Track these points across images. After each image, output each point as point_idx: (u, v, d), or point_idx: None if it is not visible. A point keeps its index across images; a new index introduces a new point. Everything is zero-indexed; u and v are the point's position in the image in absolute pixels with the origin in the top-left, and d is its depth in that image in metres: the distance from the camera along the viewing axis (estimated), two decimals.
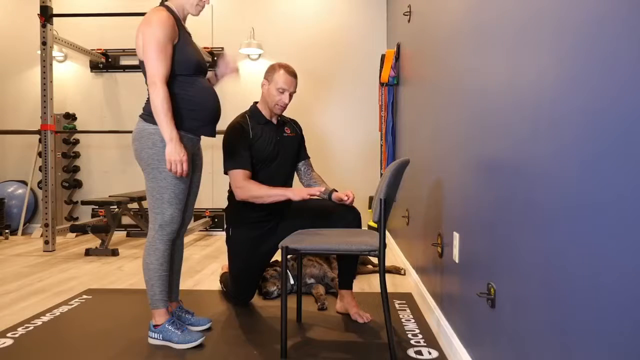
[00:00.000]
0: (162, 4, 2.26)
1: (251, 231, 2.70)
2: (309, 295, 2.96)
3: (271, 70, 2.67)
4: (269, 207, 2.65)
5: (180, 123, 2.16)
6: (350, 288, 2.65)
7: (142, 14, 4.71)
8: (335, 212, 2.61)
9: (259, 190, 2.57)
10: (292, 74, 2.66)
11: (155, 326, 2.24)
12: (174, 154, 2.09)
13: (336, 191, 2.69)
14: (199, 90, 2.21)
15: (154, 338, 2.24)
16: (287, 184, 2.80)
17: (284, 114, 2.84)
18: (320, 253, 3.04)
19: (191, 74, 2.20)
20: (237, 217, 2.74)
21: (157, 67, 2.09)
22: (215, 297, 3.00)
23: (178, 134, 2.11)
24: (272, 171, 2.71)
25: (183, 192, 2.22)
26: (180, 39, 2.18)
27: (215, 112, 2.29)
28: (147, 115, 2.18)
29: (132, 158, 5.78)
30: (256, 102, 2.81)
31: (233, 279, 2.82)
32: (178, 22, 2.21)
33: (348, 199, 2.62)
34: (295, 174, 2.87)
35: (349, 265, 2.64)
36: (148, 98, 2.20)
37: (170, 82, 2.16)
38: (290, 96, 2.68)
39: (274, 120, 2.77)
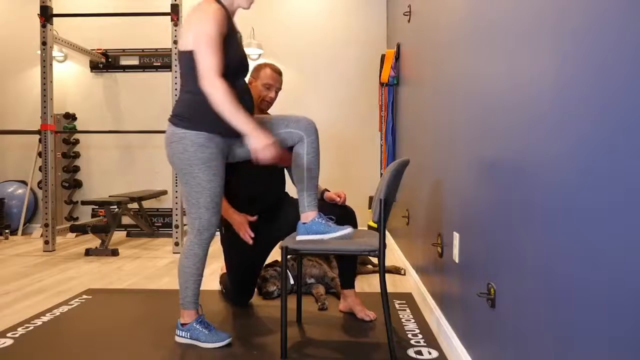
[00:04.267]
0: None
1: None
2: (309, 295, 2.96)
3: (257, 69, 2.75)
4: (262, 203, 2.68)
5: (207, 124, 2.10)
6: (353, 287, 2.66)
7: (142, 14, 4.76)
8: (331, 212, 2.62)
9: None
10: (277, 72, 2.75)
11: (182, 325, 2.24)
12: (258, 142, 2.01)
13: (328, 191, 2.72)
14: (234, 93, 2.13)
15: (181, 337, 2.24)
16: (280, 183, 2.80)
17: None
18: (320, 253, 3.04)
19: (229, 74, 2.11)
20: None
21: (212, 61, 2.01)
22: (215, 297, 3.00)
23: (253, 122, 2.03)
24: (258, 169, 2.64)
25: (219, 196, 2.19)
26: (228, 36, 2.11)
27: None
28: (176, 118, 2.14)
29: (132, 158, 5.84)
30: None
31: (230, 278, 2.82)
32: (228, 17, 2.14)
33: (340, 199, 2.64)
34: (287, 175, 2.87)
35: (349, 265, 2.65)
36: (178, 100, 2.16)
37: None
38: (276, 92, 2.74)
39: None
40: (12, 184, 5.73)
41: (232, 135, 2.18)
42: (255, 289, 2.93)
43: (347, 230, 2.14)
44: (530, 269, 1.30)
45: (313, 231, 2.17)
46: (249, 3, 2.21)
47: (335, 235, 2.14)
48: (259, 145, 2.01)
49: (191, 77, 2.11)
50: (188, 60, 2.10)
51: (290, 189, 2.88)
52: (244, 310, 2.75)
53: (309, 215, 2.22)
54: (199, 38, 2.03)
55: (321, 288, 2.97)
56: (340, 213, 2.57)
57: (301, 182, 2.25)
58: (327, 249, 2.16)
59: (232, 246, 2.74)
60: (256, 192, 2.69)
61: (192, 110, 2.13)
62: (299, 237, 2.18)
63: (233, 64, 2.13)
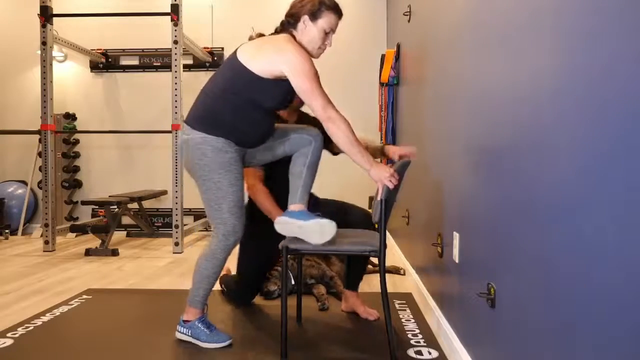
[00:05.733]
0: (288, 32, 2.17)
1: (262, 227, 2.68)
2: (310, 295, 2.96)
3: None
4: (279, 203, 2.65)
5: (227, 132, 2.11)
6: (357, 290, 2.67)
7: (142, 14, 4.76)
8: (349, 213, 2.62)
9: (263, 202, 2.60)
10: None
11: (185, 321, 2.25)
12: (380, 175, 2.05)
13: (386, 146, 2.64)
14: (257, 120, 2.15)
15: (182, 333, 2.25)
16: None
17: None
18: (321, 253, 3.04)
19: (264, 107, 2.13)
20: (249, 213, 2.73)
21: (325, 98, 2.05)
22: (215, 297, 2.99)
23: (370, 155, 2.11)
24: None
25: (242, 200, 2.18)
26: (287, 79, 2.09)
27: (257, 140, 2.22)
28: (195, 120, 2.13)
29: (132, 158, 5.83)
30: None
31: (241, 277, 2.82)
32: None
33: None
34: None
35: (358, 267, 2.66)
36: (200, 102, 2.16)
37: (244, 101, 2.10)
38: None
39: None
40: (12, 184, 5.73)
41: (247, 147, 2.21)
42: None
43: (326, 221, 2.06)
44: (530, 269, 1.30)
45: (295, 216, 2.15)
46: (318, 54, 2.21)
47: (311, 222, 2.07)
48: (381, 176, 2.04)
49: (230, 88, 2.10)
50: (243, 79, 2.07)
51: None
52: (244, 310, 2.75)
53: (297, 206, 2.22)
54: (302, 76, 2.02)
55: (322, 288, 2.97)
56: (357, 215, 2.61)
57: (299, 178, 2.25)
58: (328, 250, 2.16)
59: (252, 237, 2.69)
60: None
61: (214, 115, 2.12)
62: (278, 218, 2.18)
63: (271, 104, 2.15)
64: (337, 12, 2.17)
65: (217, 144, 2.10)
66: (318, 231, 2.05)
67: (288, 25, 2.17)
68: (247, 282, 2.82)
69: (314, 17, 2.12)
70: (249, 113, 2.13)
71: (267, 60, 2.06)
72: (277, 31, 2.22)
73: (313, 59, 2.14)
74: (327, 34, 2.17)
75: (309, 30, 2.13)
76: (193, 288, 2.23)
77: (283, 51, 2.05)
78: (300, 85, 2.04)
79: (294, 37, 2.15)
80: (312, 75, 2.04)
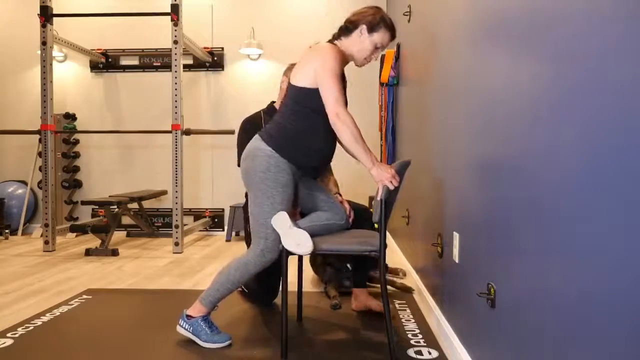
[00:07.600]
0: (339, 38, 2.26)
1: None
2: (316, 295, 2.97)
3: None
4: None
5: (293, 155, 2.15)
6: (365, 287, 2.70)
7: (142, 14, 4.76)
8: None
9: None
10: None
11: (188, 316, 2.25)
12: (381, 175, 2.07)
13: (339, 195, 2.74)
14: (321, 131, 2.18)
15: (183, 328, 2.26)
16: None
17: None
18: (322, 253, 3.05)
19: (324, 113, 2.15)
20: None
21: (338, 95, 2.08)
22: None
23: (373, 155, 2.11)
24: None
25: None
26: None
27: (325, 156, 2.27)
28: (267, 137, 2.17)
29: (132, 158, 5.81)
30: (273, 102, 3.00)
31: (258, 278, 2.81)
32: (343, 63, 2.22)
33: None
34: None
35: (364, 265, 2.70)
36: (275, 123, 2.19)
37: (301, 111, 2.15)
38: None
39: None
40: (12, 184, 5.73)
41: (301, 170, 2.23)
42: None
43: (309, 240, 2.09)
44: (530, 269, 1.30)
45: (295, 225, 2.17)
46: (362, 64, 2.28)
47: (300, 231, 2.11)
48: (382, 177, 2.07)
49: (295, 111, 2.17)
50: (300, 96, 2.16)
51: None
52: (244, 309, 2.75)
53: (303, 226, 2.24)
54: (324, 72, 2.09)
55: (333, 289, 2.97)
56: (360, 214, 2.59)
57: (316, 221, 2.26)
58: (328, 250, 2.16)
59: None
60: None
61: (283, 133, 2.17)
62: (279, 213, 2.16)
63: None
64: (393, 33, 2.27)
65: (281, 163, 2.14)
66: (296, 241, 2.08)
67: (346, 30, 2.25)
68: (262, 281, 2.81)
69: (371, 29, 2.21)
70: (312, 123, 2.17)
71: (307, 71, 2.15)
72: (333, 37, 2.30)
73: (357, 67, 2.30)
74: (377, 48, 2.25)
75: (363, 39, 2.22)
76: (212, 288, 2.23)
77: (317, 56, 2.15)
78: (325, 80, 2.09)
79: (335, 44, 2.23)
80: (336, 73, 2.11)
